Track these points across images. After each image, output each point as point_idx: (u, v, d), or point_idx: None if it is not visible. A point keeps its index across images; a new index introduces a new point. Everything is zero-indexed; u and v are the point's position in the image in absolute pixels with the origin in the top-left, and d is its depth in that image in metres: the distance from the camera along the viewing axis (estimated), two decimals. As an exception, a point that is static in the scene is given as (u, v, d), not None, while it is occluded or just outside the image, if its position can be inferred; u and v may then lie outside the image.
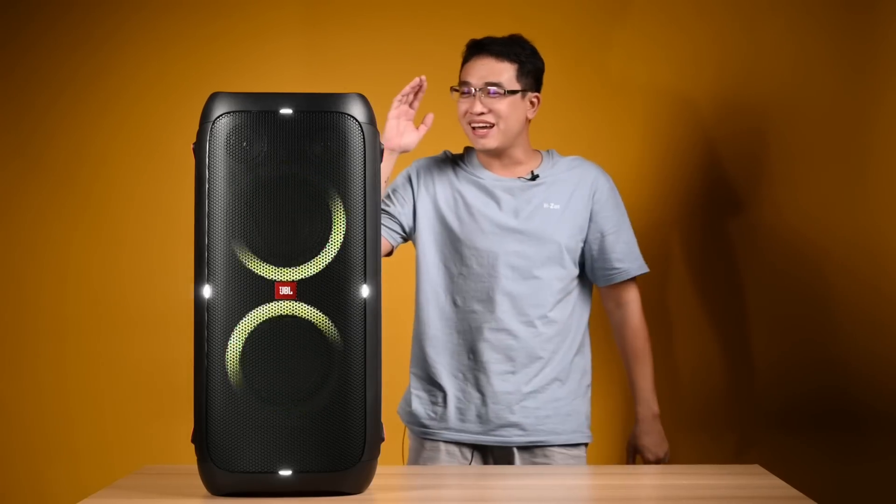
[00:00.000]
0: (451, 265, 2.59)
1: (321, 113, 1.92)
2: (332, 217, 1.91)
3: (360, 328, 1.91)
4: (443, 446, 2.58)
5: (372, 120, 1.94)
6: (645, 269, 2.74)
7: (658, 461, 2.68)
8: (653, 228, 3.52)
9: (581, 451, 2.64)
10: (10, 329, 3.60)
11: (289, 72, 3.59)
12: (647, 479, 2.18)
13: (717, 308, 3.53)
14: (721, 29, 3.54)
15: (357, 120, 1.92)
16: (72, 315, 3.59)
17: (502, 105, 2.56)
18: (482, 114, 2.56)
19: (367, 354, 1.91)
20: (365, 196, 1.92)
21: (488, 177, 2.63)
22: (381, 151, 1.97)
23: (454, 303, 2.59)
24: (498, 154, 2.62)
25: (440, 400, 2.59)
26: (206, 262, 1.90)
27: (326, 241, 1.91)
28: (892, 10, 3.46)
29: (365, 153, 1.92)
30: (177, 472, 2.19)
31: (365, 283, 1.91)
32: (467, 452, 2.60)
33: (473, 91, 2.57)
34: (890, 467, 3.44)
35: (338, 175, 1.91)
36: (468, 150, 2.70)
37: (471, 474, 2.23)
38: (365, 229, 1.91)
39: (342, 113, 1.92)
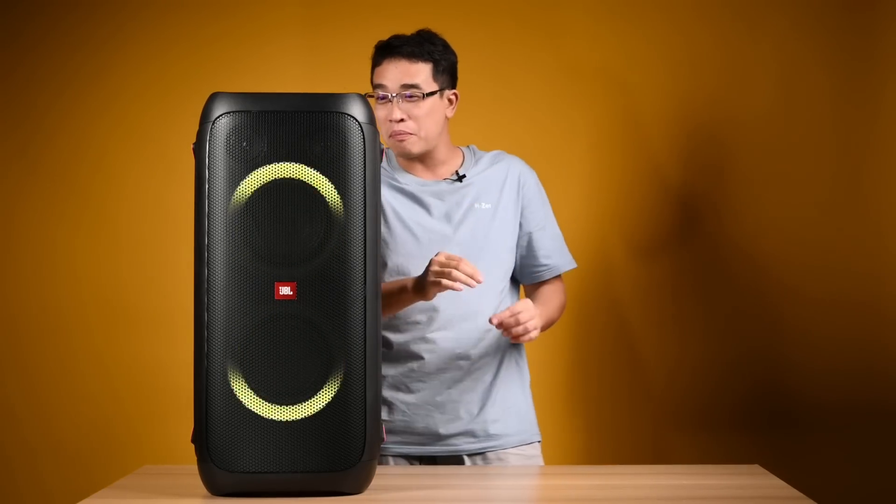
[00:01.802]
0: (386, 277, 2.48)
1: (321, 113, 1.91)
2: (332, 217, 1.91)
3: (360, 328, 1.91)
4: (391, 460, 2.50)
5: (372, 120, 1.94)
6: (573, 264, 2.62)
7: (516, 319, 2.35)
8: (653, 226, 3.52)
9: (535, 450, 2.56)
10: (9, 329, 3.60)
11: (289, 72, 3.59)
12: (646, 479, 2.18)
13: (717, 308, 3.53)
14: (723, 30, 3.54)
15: (357, 120, 1.92)
16: (72, 315, 3.59)
17: (422, 109, 2.45)
18: (402, 120, 2.45)
19: (367, 354, 1.91)
20: (365, 196, 1.92)
21: (412, 182, 2.52)
22: (381, 151, 1.97)
23: (397, 314, 2.48)
24: (420, 157, 2.52)
25: (384, 413, 2.49)
26: (206, 262, 1.90)
27: (326, 241, 1.91)
28: (890, 10, 3.46)
29: (365, 153, 1.92)
30: (177, 472, 2.19)
31: (365, 283, 1.91)
32: (417, 464, 2.51)
33: (390, 96, 2.45)
34: (891, 467, 3.44)
35: (338, 175, 1.91)
36: (387, 153, 2.58)
37: (472, 474, 2.23)
38: (365, 229, 1.91)
39: (342, 113, 1.92)
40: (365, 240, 1.91)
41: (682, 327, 3.53)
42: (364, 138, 1.92)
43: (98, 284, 3.59)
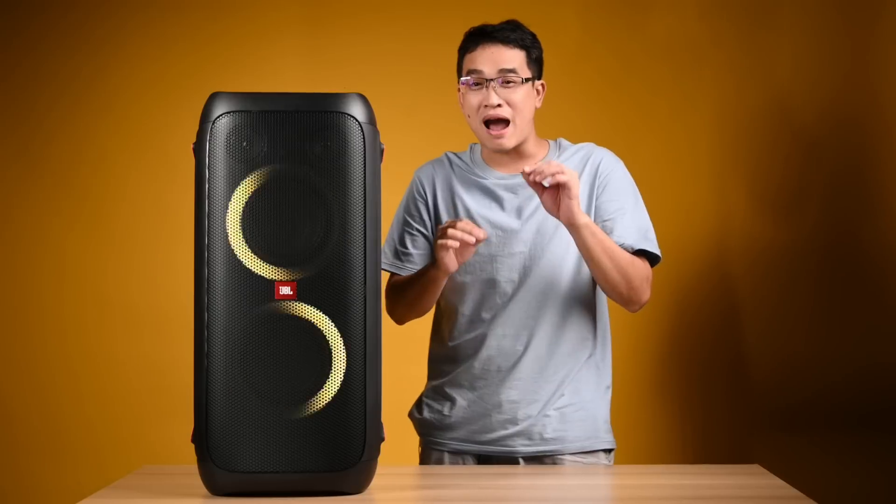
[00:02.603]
0: (457, 274, 2.44)
1: (321, 113, 1.91)
2: (332, 217, 1.91)
3: (360, 328, 1.91)
4: (447, 457, 2.48)
5: (372, 120, 1.93)
6: (648, 247, 2.41)
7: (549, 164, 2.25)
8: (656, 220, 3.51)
9: (598, 458, 2.47)
10: (9, 329, 3.60)
11: (289, 72, 3.59)
12: (646, 478, 2.18)
13: (719, 308, 3.53)
14: (723, 26, 3.54)
15: (357, 120, 1.92)
16: (72, 315, 3.59)
17: (518, 95, 2.39)
18: (499, 106, 2.38)
19: (367, 354, 1.91)
20: (365, 196, 1.91)
21: (491, 176, 2.47)
22: (381, 151, 1.97)
23: (462, 312, 2.46)
24: (510, 151, 2.46)
25: (446, 409, 2.48)
26: (206, 262, 1.89)
27: (326, 241, 1.91)
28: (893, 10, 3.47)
29: (365, 153, 1.92)
30: (177, 472, 2.19)
31: (365, 283, 1.91)
32: (472, 462, 2.48)
33: (485, 82, 2.39)
34: (891, 467, 3.44)
35: (338, 175, 1.91)
36: (472, 148, 2.54)
37: (472, 474, 2.23)
38: (365, 229, 1.91)
39: (342, 113, 1.92)
40: (365, 240, 1.91)
41: (683, 328, 3.53)
42: (364, 138, 1.92)
43: (98, 284, 3.59)
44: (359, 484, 1.93)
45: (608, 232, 2.40)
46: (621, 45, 3.54)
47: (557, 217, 2.30)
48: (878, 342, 3.44)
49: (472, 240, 2.25)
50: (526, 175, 2.25)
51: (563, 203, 2.25)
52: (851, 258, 3.47)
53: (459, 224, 2.26)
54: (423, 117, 3.47)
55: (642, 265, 2.40)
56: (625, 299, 2.41)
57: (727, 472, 2.25)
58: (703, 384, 3.51)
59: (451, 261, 2.30)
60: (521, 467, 2.43)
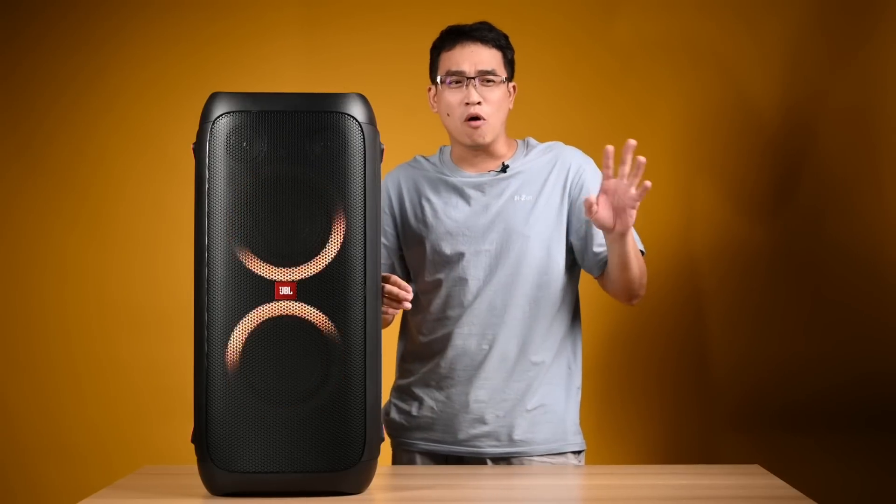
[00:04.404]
0: (425, 273, 2.48)
1: (321, 113, 1.91)
2: (332, 217, 1.91)
3: (360, 328, 1.91)
4: (418, 457, 2.49)
5: (372, 120, 1.94)
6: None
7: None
8: (656, 224, 3.51)
9: (567, 460, 2.48)
10: (10, 329, 3.60)
11: (289, 72, 3.59)
12: (646, 479, 2.18)
13: (719, 308, 3.53)
14: (725, 26, 3.54)
15: (357, 120, 1.92)
16: (72, 315, 3.59)
17: (497, 95, 2.43)
18: (479, 103, 2.41)
19: (367, 354, 1.91)
20: (365, 196, 1.92)
21: (459, 175, 2.49)
22: (381, 151, 1.97)
23: (429, 310, 2.48)
24: (482, 148, 2.48)
25: (414, 409, 2.49)
26: (206, 262, 1.90)
27: (326, 241, 1.91)
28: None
29: (365, 153, 1.92)
30: (177, 472, 2.19)
31: (365, 283, 1.91)
32: (442, 462, 2.49)
33: (466, 80, 2.42)
34: (891, 467, 3.44)
35: (338, 175, 1.91)
36: (442, 150, 2.57)
37: (473, 474, 2.23)
38: (365, 229, 1.91)
39: (342, 113, 1.92)
40: (365, 240, 1.91)
41: (683, 328, 3.52)
42: (364, 138, 1.92)
43: (98, 284, 3.59)
44: (359, 484, 1.93)
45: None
46: (621, 45, 3.54)
47: (610, 226, 2.26)
48: (878, 341, 3.44)
49: (400, 309, 2.27)
50: (630, 148, 2.17)
51: (631, 214, 2.23)
52: (840, 259, 3.47)
53: (388, 288, 2.24)
54: (423, 117, 3.47)
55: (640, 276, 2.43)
56: (630, 295, 2.43)
57: (726, 473, 2.25)
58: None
59: (386, 317, 2.32)
60: (522, 467, 2.43)
